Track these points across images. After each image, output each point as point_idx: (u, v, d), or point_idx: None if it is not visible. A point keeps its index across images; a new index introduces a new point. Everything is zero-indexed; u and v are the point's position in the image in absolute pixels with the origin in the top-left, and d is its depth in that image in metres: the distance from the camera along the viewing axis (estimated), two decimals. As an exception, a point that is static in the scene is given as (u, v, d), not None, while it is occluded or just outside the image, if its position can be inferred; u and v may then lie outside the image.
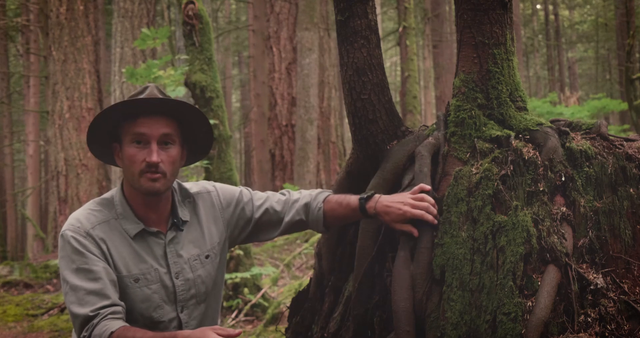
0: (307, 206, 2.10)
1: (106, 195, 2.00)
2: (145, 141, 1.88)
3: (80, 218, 1.91)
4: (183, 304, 1.98)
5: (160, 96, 1.90)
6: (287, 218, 2.11)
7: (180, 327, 1.99)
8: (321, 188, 11.95)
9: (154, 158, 1.85)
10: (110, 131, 1.95)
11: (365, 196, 2.01)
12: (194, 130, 2.02)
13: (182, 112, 1.94)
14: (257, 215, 2.12)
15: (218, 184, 2.15)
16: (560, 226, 1.86)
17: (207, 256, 2.04)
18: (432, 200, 1.96)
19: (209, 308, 2.08)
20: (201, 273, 2.00)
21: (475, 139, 2.03)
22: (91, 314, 1.79)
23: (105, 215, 1.93)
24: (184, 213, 2.03)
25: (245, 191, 2.15)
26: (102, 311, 1.79)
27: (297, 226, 2.13)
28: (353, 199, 2.04)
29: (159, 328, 1.93)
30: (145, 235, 1.94)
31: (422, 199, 1.95)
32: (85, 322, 1.79)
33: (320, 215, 2.08)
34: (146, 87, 1.93)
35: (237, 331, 1.70)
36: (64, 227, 1.90)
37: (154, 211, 1.96)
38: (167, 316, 1.95)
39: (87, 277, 1.83)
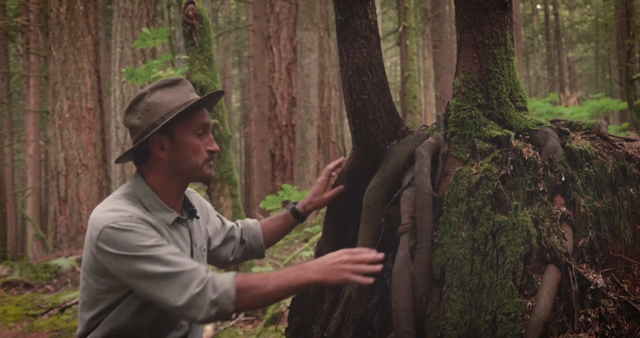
0: (244, 223, 2.33)
1: (124, 192, 1.93)
2: (205, 131, 1.95)
3: (121, 209, 1.82)
4: None
5: None
6: (237, 236, 2.28)
7: None
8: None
9: (216, 146, 1.97)
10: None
11: (292, 202, 2.31)
12: None
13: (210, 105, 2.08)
14: (227, 228, 2.27)
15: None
16: (560, 226, 1.86)
17: (204, 250, 2.10)
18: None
19: None
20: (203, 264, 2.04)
21: (475, 139, 2.03)
22: (200, 267, 1.75)
23: (139, 208, 1.88)
24: (192, 204, 2.09)
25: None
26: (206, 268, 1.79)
27: (242, 245, 2.30)
28: (282, 211, 2.31)
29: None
30: (177, 223, 1.96)
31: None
32: (196, 274, 1.72)
33: (259, 229, 2.30)
34: (180, 79, 1.99)
35: (380, 255, 1.84)
36: (107, 221, 1.77)
37: (180, 200, 2.00)
38: None
39: (168, 249, 1.77)
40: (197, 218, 2.06)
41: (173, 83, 1.95)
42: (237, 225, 2.31)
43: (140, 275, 1.73)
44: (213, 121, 5.54)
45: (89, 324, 1.90)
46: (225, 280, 1.74)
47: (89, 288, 1.87)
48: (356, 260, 1.80)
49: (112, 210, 1.81)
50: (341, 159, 2.34)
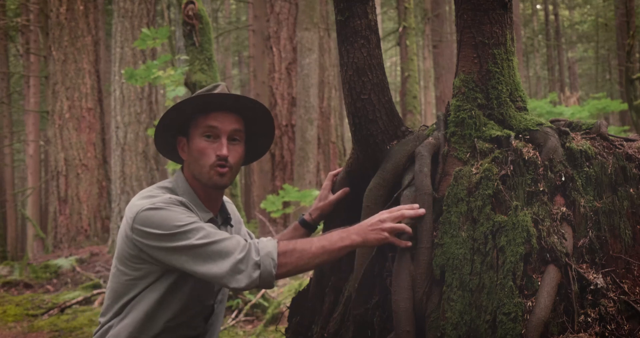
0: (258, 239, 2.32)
1: (164, 185, 1.96)
2: (216, 135, 1.90)
3: (159, 195, 1.85)
4: (219, 298, 2.04)
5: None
6: None
7: (210, 315, 2.02)
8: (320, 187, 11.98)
9: (224, 151, 1.88)
10: (177, 125, 1.96)
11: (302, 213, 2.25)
12: (257, 130, 2.05)
13: (252, 110, 1.98)
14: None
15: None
16: (560, 226, 1.86)
17: None
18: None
19: (222, 312, 2.12)
20: None
21: (475, 139, 2.03)
22: (238, 236, 1.78)
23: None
24: (229, 211, 2.09)
25: None
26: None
27: None
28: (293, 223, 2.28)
29: (198, 311, 1.95)
30: (210, 223, 1.95)
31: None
32: (237, 242, 1.75)
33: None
34: (217, 85, 1.97)
35: (421, 211, 1.80)
36: (144, 204, 1.79)
37: (211, 204, 1.99)
38: (208, 302, 1.99)
39: (205, 225, 1.78)
40: (232, 226, 2.08)
41: (212, 89, 1.96)
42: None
43: (181, 249, 1.74)
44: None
45: (117, 312, 1.90)
46: (267, 243, 1.77)
47: (121, 276, 1.88)
48: (394, 217, 1.81)
49: (149, 196, 1.84)
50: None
